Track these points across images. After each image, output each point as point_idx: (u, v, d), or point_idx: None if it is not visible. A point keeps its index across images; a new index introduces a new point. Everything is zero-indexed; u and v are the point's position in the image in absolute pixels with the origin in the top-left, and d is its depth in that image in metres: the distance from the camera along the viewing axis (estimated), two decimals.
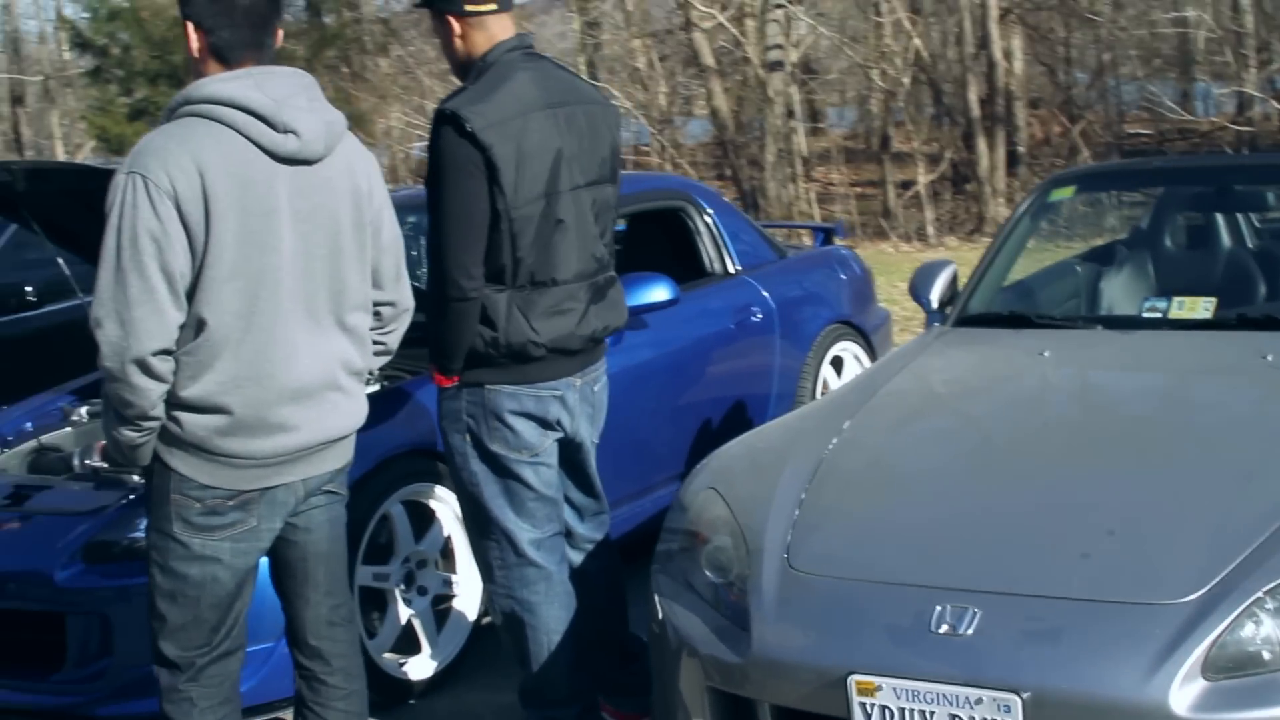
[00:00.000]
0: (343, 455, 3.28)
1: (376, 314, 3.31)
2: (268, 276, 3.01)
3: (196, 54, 3.09)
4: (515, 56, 3.68)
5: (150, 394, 2.96)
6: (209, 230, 2.93)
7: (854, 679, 2.88)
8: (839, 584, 3.10)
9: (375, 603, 4.45)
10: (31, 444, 4.97)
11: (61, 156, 25.90)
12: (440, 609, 4.62)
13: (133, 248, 2.89)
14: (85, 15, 19.68)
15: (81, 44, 20.25)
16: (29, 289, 6.79)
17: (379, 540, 4.45)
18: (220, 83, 3.01)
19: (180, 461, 3.05)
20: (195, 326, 2.97)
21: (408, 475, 4.44)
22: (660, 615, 3.38)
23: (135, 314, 2.89)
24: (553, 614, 3.79)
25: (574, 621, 3.83)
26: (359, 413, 3.28)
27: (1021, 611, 2.90)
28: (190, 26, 3.06)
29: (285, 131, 3.01)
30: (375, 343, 3.33)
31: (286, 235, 3.03)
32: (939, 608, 2.91)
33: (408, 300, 3.38)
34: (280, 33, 3.14)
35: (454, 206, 3.56)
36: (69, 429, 5.04)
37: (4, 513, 4.45)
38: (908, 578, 3.06)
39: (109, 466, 4.39)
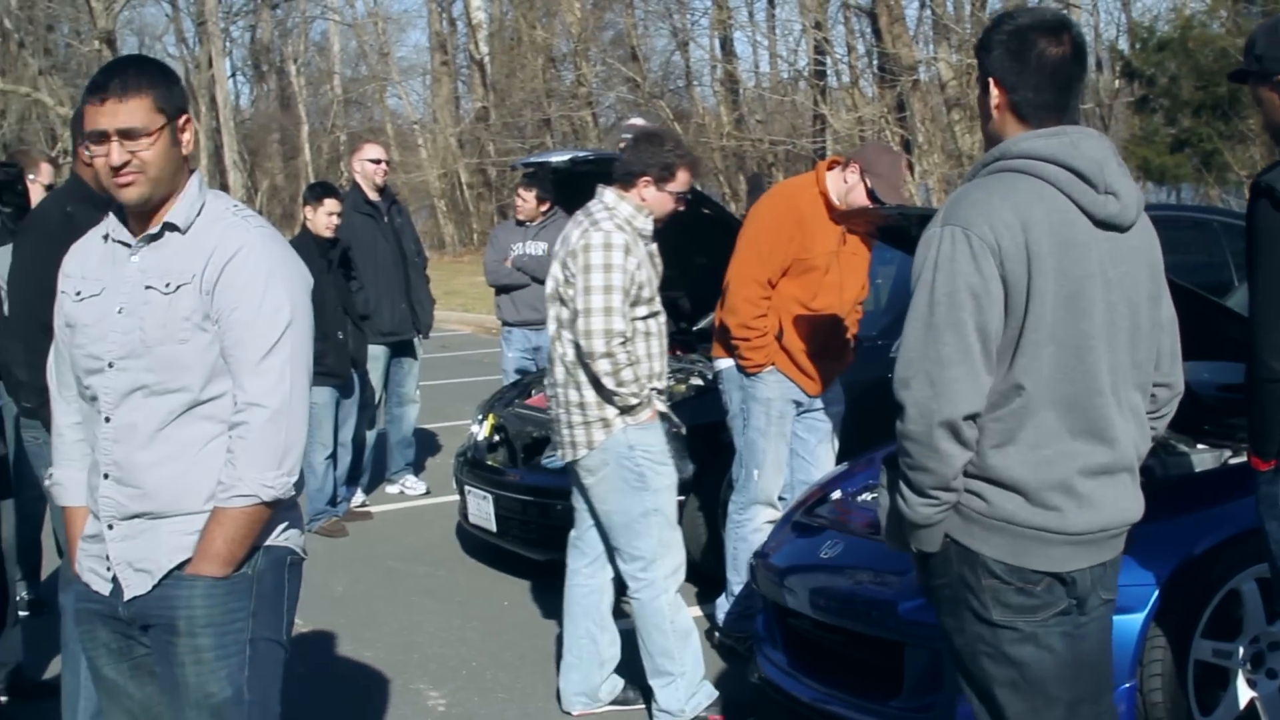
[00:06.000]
0: (1118, 546, 3.04)
1: (1152, 396, 3.08)
2: (1082, 344, 2.86)
3: (995, 110, 2.99)
4: None
5: (955, 461, 2.83)
6: (1030, 290, 2.81)
7: None
8: None
9: (1217, 680, 4.34)
10: None
11: None
12: None
13: (949, 304, 2.79)
14: (1135, 45, 19.91)
15: (1130, 73, 20.31)
16: None
17: (1233, 615, 4.33)
18: (1039, 139, 2.90)
19: (981, 542, 2.91)
20: (1005, 391, 2.85)
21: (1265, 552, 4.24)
22: None
23: (949, 374, 2.78)
24: None
25: None
26: (1142, 501, 3.04)
27: None
28: (992, 81, 2.98)
29: (1106, 193, 2.89)
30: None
31: (1099, 302, 2.88)
32: None
33: (1181, 384, 3.14)
34: (1084, 92, 3.05)
35: (1268, 283, 3.45)
36: None
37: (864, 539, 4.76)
38: None
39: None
